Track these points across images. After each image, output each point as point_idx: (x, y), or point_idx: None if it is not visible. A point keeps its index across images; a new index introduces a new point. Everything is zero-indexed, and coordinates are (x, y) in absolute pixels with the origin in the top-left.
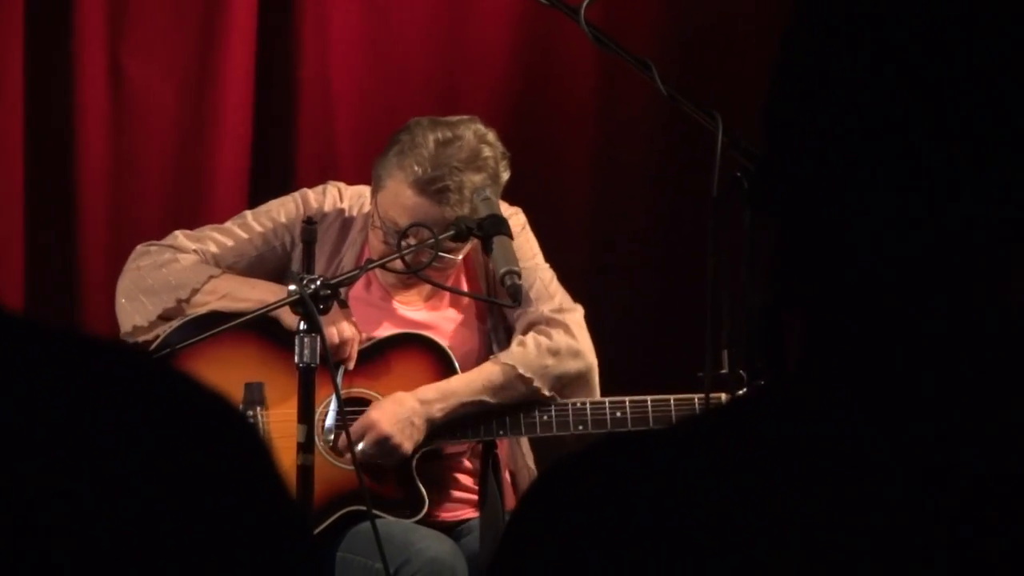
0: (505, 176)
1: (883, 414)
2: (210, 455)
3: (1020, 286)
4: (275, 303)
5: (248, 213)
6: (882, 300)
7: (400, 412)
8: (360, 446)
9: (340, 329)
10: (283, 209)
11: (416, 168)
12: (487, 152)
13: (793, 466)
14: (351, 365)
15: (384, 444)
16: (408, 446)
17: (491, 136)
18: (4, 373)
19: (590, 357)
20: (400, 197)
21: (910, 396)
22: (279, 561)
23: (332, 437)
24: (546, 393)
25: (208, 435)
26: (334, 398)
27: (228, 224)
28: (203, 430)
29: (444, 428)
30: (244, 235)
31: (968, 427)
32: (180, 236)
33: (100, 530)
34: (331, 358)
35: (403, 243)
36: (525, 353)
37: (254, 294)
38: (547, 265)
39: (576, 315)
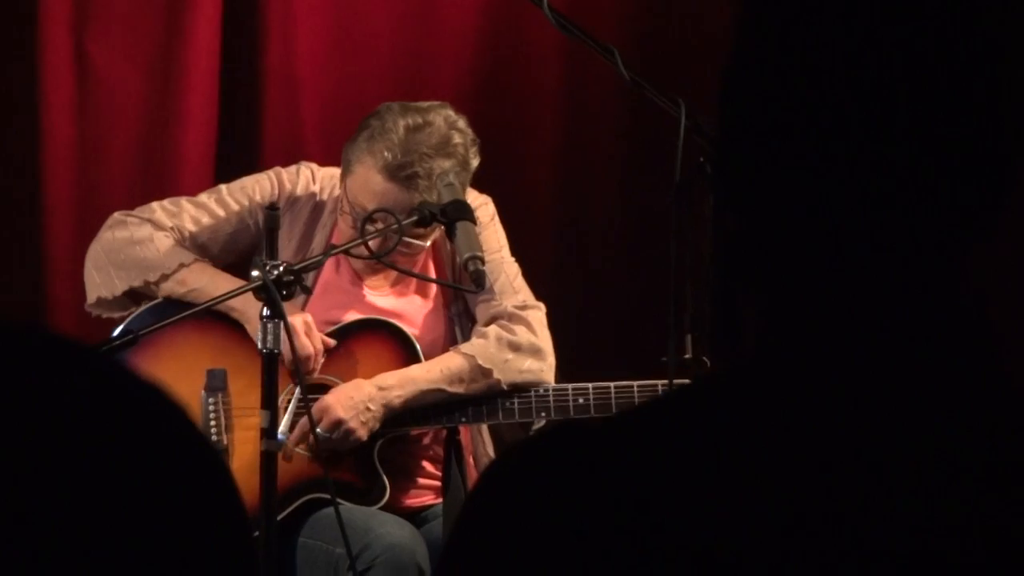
0: (475, 163)
1: (839, 401)
2: (150, 455)
3: (975, 272)
4: (238, 289)
5: (223, 188)
6: (839, 286)
7: (356, 397)
8: (316, 430)
9: (302, 345)
10: (258, 187)
11: (386, 154)
12: (457, 139)
13: (745, 452)
14: (315, 375)
15: (338, 428)
16: (363, 432)
17: (461, 123)
18: None
19: (549, 357)
20: (369, 182)
21: (866, 382)
22: (216, 558)
23: (291, 424)
24: (504, 387)
25: (150, 433)
26: (297, 386)
27: (203, 198)
28: (144, 428)
29: (405, 415)
30: (220, 212)
31: (924, 413)
32: (158, 210)
33: (32, 533)
34: (294, 345)
35: (367, 228)
36: (486, 345)
37: (224, 287)
38: (513, 259)
39: (539, 313)
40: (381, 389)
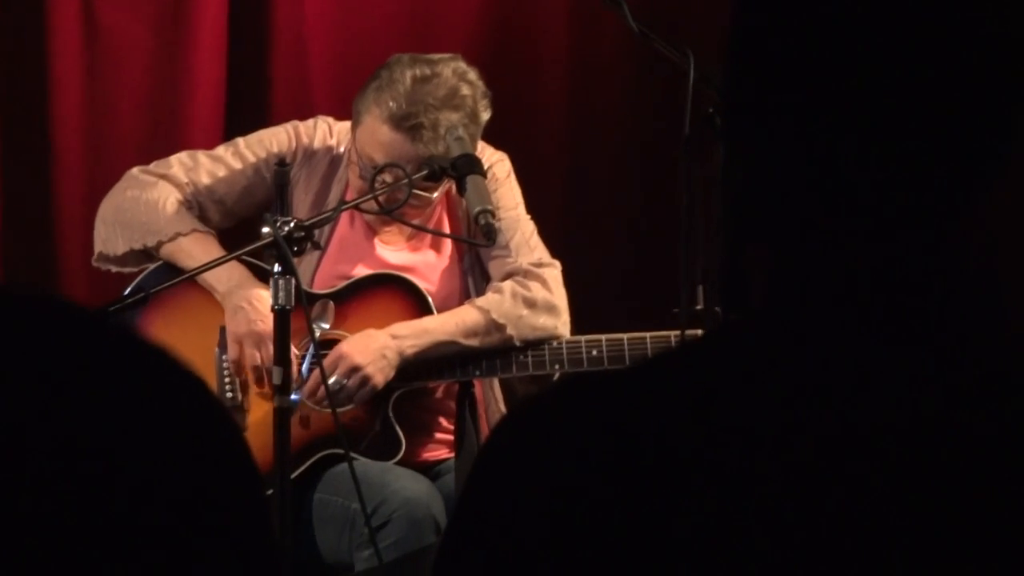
0: (485, 116)
1: (847, 350)
2: (160, 417)
3: (983, 222)
4: (250, 247)
5: (240, 140)
6: (846, 236)
7: (372, 345)
8: (332, 378)
9: (250, 354)
10: (275, 139)
11: (391, 104)
12: (465, 90)
13: (756, 403)
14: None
15: (355, 375)
16: (379, 378)
17: (472, 75)
18: None
19: (564, 314)
20: (376, 133)
21: (874, 332)
22: (232, 530)
23: (307, 375)
24: (517, 343)
25: (159, 396)
26: (311, 342)
27: (220, 151)
28: (154, 390)
29: (420, 369)
30: (236, 164)
31: (931, 363)
32: (175, 164)
33: (56, 503)
34: (304, 299)
35: (376, 183)
36: (501, 300)
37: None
38: (528, 217)
39: (555, 271)
40: (395, 338)
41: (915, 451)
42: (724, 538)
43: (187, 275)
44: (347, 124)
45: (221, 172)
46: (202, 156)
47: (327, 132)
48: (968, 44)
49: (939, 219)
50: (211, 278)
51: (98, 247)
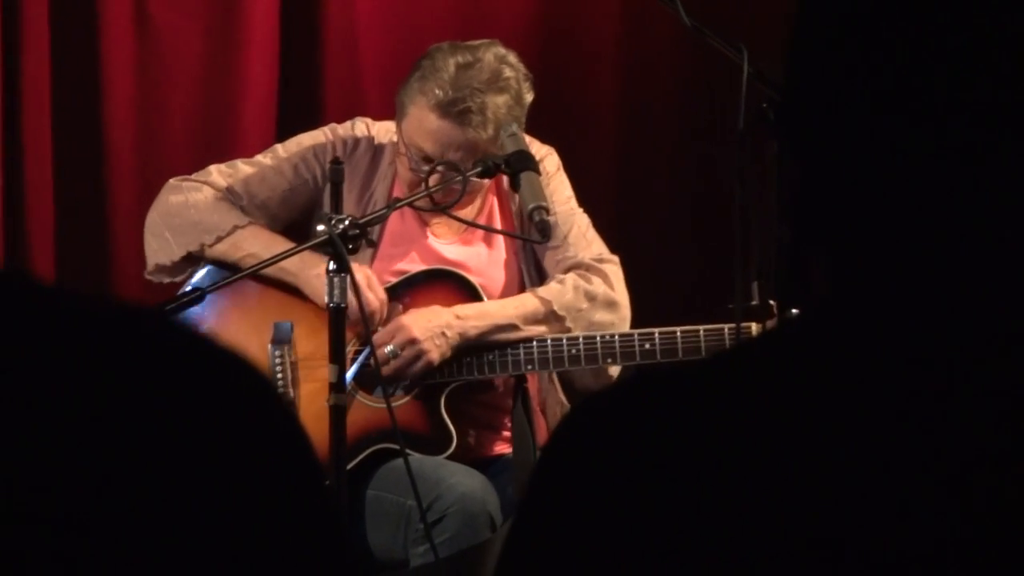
0: (528, 98)
1: (908, 350)
2: (228, 421)
3: None
4: (305, 245)
5: (279, 146)
6: (906, 235)
7: (433, 320)
8: (388, 347)
9: (367, 301)
10: (313, 142)
11: (437, 92)
12: (508, 72)
13: (823, 402)
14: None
15: (411, 347)
16: (435, 355)
17: (512, 57)
18: (18, 344)
19: (625, 311)
20: (424, 122)
21: (935, 331)
22: (299, 528)
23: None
24: (576, 336)
25: (221, 391)
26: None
27: (259, 157)
28: (215, 385)
29: (472, 362)
30: (276, 169)
31: (992, 361)
32: (214, 172)
33: (121, 504)
34: (362, 298)
35: (430, 180)
36: (563, 291)
37: (279, 251)
38: (582, 211)
39: (615, 267)
40: (459, 318)
41: (985, 456)
42: (798, 536)
43: (245, 272)
44: (386, 124)
45: (262, 177)
46: (241, 164)
47: (365, 129)
48: None
49: (1002, 215)
50: (282, 265)
51: (153, 260)
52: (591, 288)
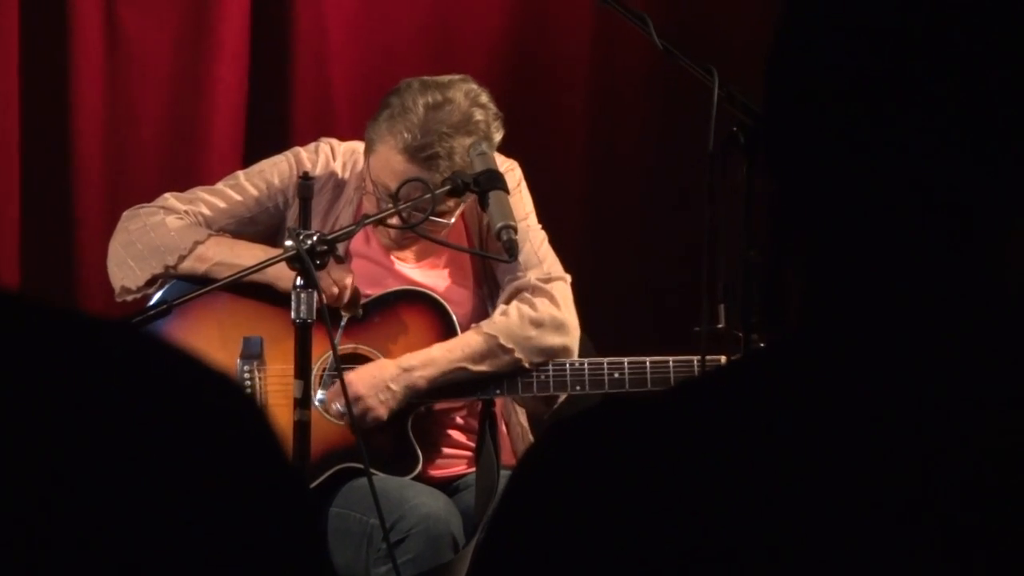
0: (498, 137)
1: (885, 375)
2: (205, 429)
3: (1019, 246)
4: (272, 258)
5: (240, 174)
6: (882, 257)
7: (378, 376)
8: (335, 405)
9: (337, 278)
10: (276, 170)
11: (406, 135)
12: (478, 115)
13: (793, 430)
14: (359, 311)
15: (356, 404)
16: (381, 411)
17: (483, 97)
18: None
19: (574, 331)
20: (391, 162)
21: (912, 357)
22: (279, 532)
23: (324, 394)
24: (526, 365)
25: (202, 407)
26: (331, 355)
27: (220, 185)
28: (197, 403)
29: (439, 390)
30: (237, 196)
31: (969, 387)
32: (171, 198)
33: (98, 513)
34: (327, 313)
35: (399, 196)
36: (508, 323)
37: (246, 255)
38: (539, 226)
39: (563, 285)
40: (405, 370)
41: (960, 477)
42: (765, 566)
43: (210, 288)
44: (351, 145)
45: (222, 204)
46: (200, 191)
47: (329, 156)
48: (1014, 63)
49: (983, 234)
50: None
51: (118, 284)
52: (536, 315)
